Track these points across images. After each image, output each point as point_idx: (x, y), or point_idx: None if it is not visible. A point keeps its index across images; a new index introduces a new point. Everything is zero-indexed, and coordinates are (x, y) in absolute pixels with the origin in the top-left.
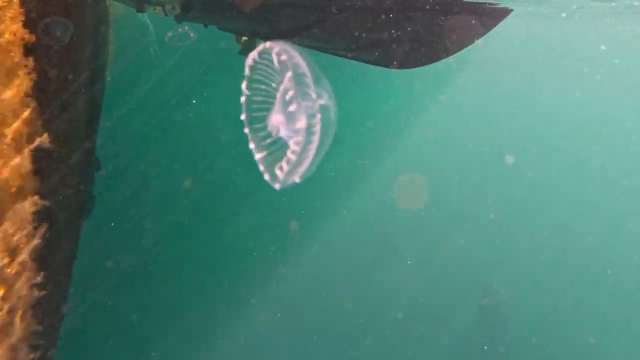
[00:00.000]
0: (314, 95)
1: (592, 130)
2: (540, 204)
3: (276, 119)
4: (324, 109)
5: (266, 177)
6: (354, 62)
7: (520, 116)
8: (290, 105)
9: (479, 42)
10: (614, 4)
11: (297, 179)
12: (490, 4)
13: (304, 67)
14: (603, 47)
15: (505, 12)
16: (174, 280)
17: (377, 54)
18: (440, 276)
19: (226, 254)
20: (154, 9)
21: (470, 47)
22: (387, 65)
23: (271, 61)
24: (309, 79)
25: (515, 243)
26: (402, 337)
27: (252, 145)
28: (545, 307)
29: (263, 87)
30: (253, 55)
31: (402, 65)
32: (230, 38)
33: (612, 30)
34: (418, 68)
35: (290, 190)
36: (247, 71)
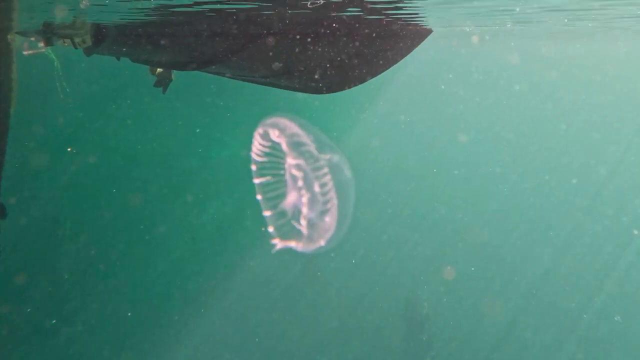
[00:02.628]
0: (320, 162)
1: (508, 143)
2: (458, 219)
3: (290, 199)
4: (334, 168)
5: (293, 245)
6: (277, 89)
7: (442, 133)
8: (299, 181)
9: (401, 62)
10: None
11: (323, 242)
12: (411, 22)
13: (303, 136)
14: (516, 60)
15: (425, 32)
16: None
17: (300, 80)
18: (365, 295)
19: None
20: (63, 42)
21: (393, 67)
22: (313, 91)
23: (271, 141)
24: (311, 147)
25: (436, 260)
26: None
27: (271, 229)
28: (468, 319)
29: (270, 167)
30: (255, 144)
31: (328, 90)
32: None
33: (523, 48)
34: (336, 95)
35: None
36: (253, 157)
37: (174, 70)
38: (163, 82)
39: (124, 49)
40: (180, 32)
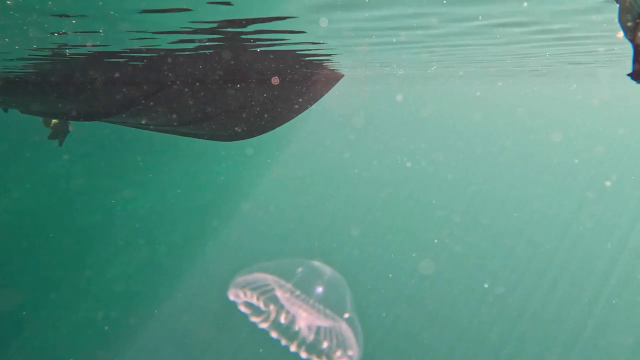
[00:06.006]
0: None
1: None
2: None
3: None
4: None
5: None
6: (186, 139)
7: (350, 180)
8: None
9: (312, 108)
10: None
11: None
12: (321, 62)
13: (284, 284)
14: (430, 109)
15: (336, 77)
16: None
17: (209, 128)
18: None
19: None
20: None
21: (302, 113)
22: (222, 139)
23: (257, 300)
24: (299, 293)
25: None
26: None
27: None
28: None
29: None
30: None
31: (237, 137)
32: None
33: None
34: (247, 140)
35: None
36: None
37: (71, 121)
38: (59, 134)
39: (12, 100)
40: (78, 80)
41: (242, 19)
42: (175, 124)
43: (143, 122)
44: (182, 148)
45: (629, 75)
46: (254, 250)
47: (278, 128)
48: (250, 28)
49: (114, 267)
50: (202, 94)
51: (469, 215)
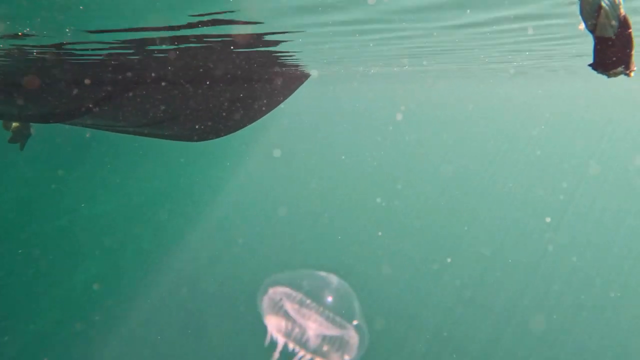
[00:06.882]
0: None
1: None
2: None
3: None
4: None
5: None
6: (152, 141)
7: (321, 178)
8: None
9: (279, 107)
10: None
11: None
12: (289, 65)
13: (293, 294)
14: (402, 109)
15: (303, 77)
16: None
17: (176, 129)
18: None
19: None
20: None
21: (269, 113)
22: (189, 139)
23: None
24: (308, 300)
25: None
26: None
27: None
28: None
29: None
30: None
31: (204, 137)
32: None
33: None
34: (212, 140)
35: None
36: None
37: (33, 124)
38: (20, 138)
39: None
40: (39, 81)
41: (201, 21)
42: (140, 124)
43: (108, 123)
44: (149, 150)
45: (590, 65)
46: (222, 253)
47: (245, 128)
48: (211, 29)
49: (79, 272)
50: (168, 94)
51: (424, 221)
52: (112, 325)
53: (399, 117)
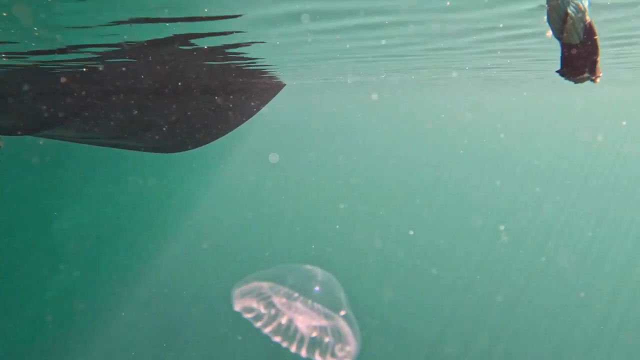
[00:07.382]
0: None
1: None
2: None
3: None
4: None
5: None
6: (127, 152)
7: (300, 185)
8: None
9: (256, 116)
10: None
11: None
12: (263, 74)
13: (279, 288)
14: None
15: (278, 86)
16: None
17: (151, 140)
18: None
19: None
20: None
21: (245, 123)
22: (165, 150)
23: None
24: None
25: None
26: None
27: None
28: None
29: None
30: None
31: (180, 148)
32: None
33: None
34: (189, 152)
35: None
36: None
37: (1, 136)
38: None
39: None
40: (8, 92)
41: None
42: (114, 136)
43: (80, 135)
44: (124, 161)
45: (557, 72)
46: (200, 264)
47: (222, 137)
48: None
49: (52, 287)
50: (143, 104)
51: (402, 218)
52: (87, 339)
53: (384, 126)
